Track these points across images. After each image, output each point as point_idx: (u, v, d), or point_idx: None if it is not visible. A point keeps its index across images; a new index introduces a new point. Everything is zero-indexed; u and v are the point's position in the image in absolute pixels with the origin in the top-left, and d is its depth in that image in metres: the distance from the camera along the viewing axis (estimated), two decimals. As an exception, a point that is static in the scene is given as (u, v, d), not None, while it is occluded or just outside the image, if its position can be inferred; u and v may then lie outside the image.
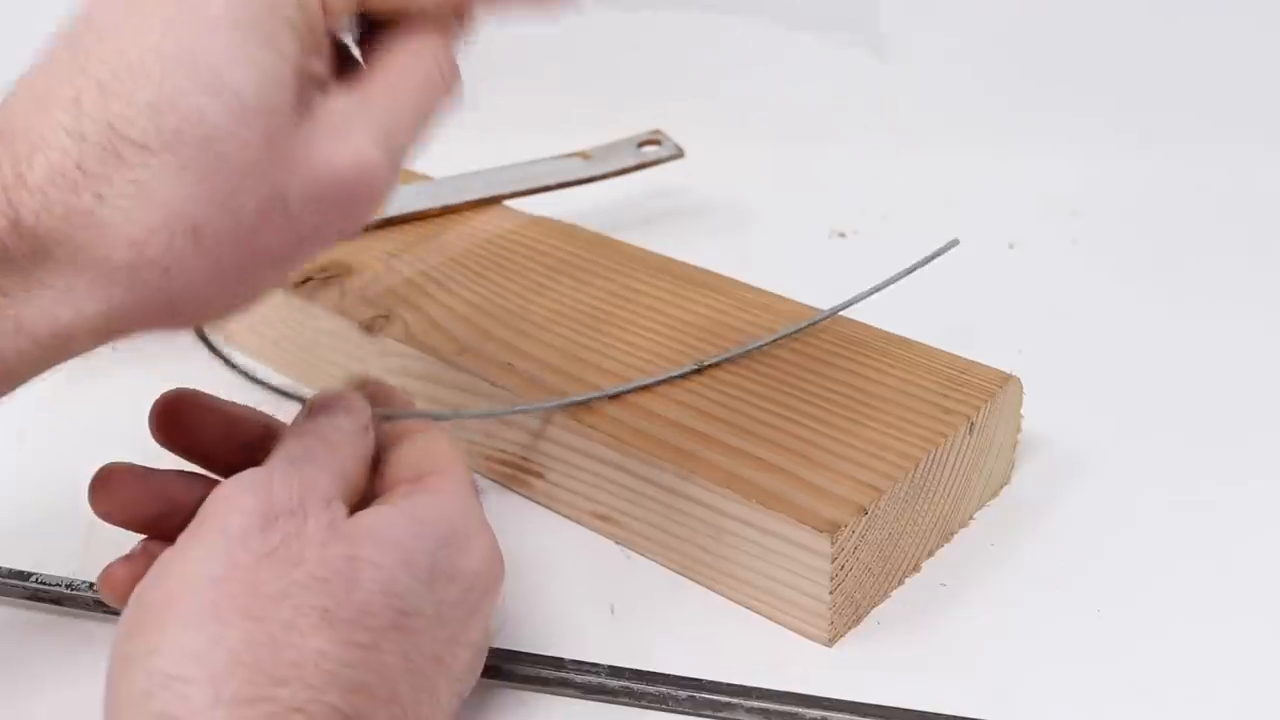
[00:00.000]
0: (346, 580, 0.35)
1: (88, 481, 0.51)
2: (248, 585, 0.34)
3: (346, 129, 0.36)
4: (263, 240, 0.36)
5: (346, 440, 0.40)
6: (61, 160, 0.33)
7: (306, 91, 0.36)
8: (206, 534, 0.36)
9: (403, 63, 0.39)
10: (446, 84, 0.41)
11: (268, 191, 0.35)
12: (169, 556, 0.36)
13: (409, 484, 0.41)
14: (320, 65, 0.37)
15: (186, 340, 0.63)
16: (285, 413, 0.46)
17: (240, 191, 0.34)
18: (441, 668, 0.37)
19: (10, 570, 0.48)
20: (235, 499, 0.36)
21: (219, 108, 0.34)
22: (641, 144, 0.70)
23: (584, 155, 0.69)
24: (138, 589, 0.36)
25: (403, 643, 0.35)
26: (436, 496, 0.39)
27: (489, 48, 0.76)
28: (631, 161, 0.69)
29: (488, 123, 0.82)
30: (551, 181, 0.67)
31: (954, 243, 0.49)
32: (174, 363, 0.62)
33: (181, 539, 0.36)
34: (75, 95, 0.34)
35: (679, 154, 0.69)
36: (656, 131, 0.70)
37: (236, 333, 0.62)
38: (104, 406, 0.59)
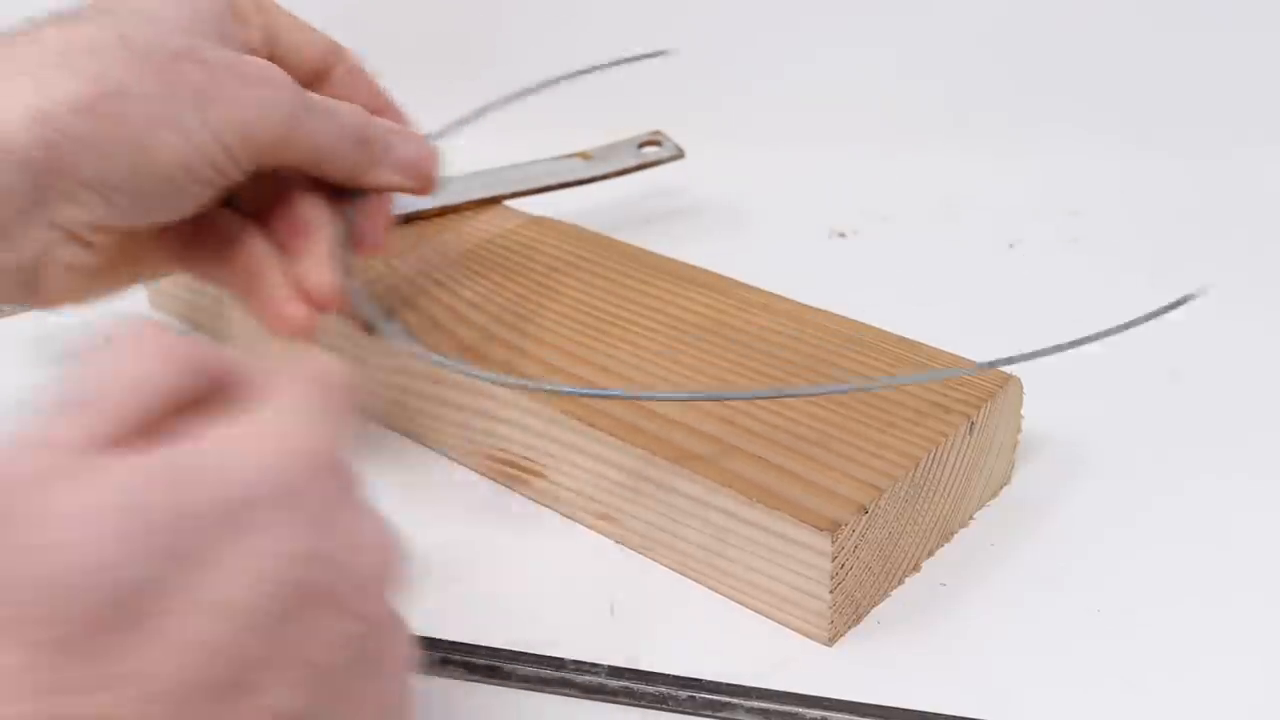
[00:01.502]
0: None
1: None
2: None
3: None
4: None
5: (116, 377, 0.33)
6: None
7: None
8: None
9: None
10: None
11: None
12: None
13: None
14: None
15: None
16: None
17: None
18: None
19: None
20: None
21: None
22: (642, 144, 0.70)
23: (584, 155, 0.69)
24: None
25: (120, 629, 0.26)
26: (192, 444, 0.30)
27: (489, 47, 0.76)
28: (632, 162, 0.69)
29: (488, 122, 0.83)
30: (552, 181, 0.67)
31: (1190, 297, 0.47)
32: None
33: None
34: None
35: (679, 154, 0.69)
36: (657, 132, 0.70)
37: (237, 333, 0.62)
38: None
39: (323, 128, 0.46)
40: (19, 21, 0.43)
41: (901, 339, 0.52)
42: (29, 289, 0.44)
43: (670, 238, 0.63)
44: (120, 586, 0.26)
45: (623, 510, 0.49)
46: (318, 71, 0.51)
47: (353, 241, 0.50)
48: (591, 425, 0.48)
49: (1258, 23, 0.78)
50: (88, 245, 0.44)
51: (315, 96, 0.46)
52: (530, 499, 0.52)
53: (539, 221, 0.62)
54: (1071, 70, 0.80)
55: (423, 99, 0.87)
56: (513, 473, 0.52)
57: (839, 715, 0.41)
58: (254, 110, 0.43)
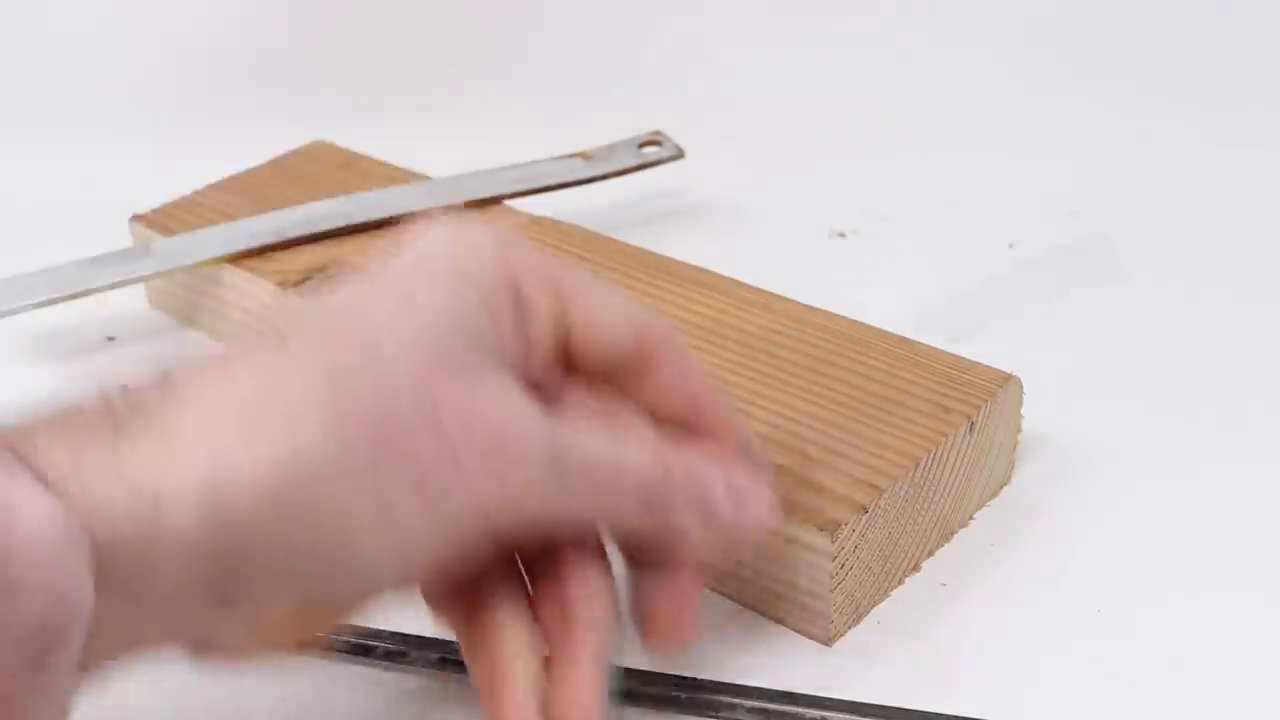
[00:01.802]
0: None
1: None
2: None
3: None
4: None
5: None
6: None
7: None
8: None
9: None
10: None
11: None
12: None
13: None
14: None
15: (187, 340, 0.63)
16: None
17: None
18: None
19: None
20: None
21: None
22: (642, 144, 0.70)
23: (584, 156, 0.69)
24: None
25: None
26: None
27: (490, 48, 0.76)
28: (632, 162, 0.69)
29: (488, 123, 0.83)
30: (551, 181, 0.67)
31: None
32: (172, 362, 0.62)
33: None
34: None
35: (679, 154, 0.69)
36: (657, 132, 0.70)
37: (236, 333, 0.62)
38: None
39: (589, 495, 0.35)
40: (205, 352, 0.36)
41: (901, 339, 0.52)
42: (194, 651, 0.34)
43: (670, 238, 0.63)
44: None
45: (623, 510, 0.49)
46: (622, 362, 0.38)
47: (640, 619, 0.39)
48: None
49: (1258, 23, 0.78)
50: (271, 624, 0.33)
51: (588, 446, 0.35)
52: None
53: (539, 221, 0.62)
54: (1072, 70, 0.80)
55: (423, 97, 0.87)
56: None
57: (839, 715, 0.41)
58: (492, 493, 0.33)
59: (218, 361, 0.33)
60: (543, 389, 0.37)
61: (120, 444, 0.30)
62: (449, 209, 0.61)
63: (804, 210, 0.74)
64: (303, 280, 0.58)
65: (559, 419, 0.35)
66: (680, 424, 0.39)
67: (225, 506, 0.30)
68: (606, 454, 0.35)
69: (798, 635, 0.45)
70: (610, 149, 0.69)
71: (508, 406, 0.34)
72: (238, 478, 0.30)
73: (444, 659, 0.44)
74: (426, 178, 0.67)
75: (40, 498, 0.28)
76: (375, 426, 0.32)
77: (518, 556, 0.38)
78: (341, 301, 0.35)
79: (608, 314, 0.38)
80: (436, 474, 0.32)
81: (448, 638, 0.44)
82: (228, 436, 0.30)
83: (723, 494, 0.37)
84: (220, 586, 0.30)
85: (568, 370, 0.38)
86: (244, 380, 0.32)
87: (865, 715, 0.41)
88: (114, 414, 0.31)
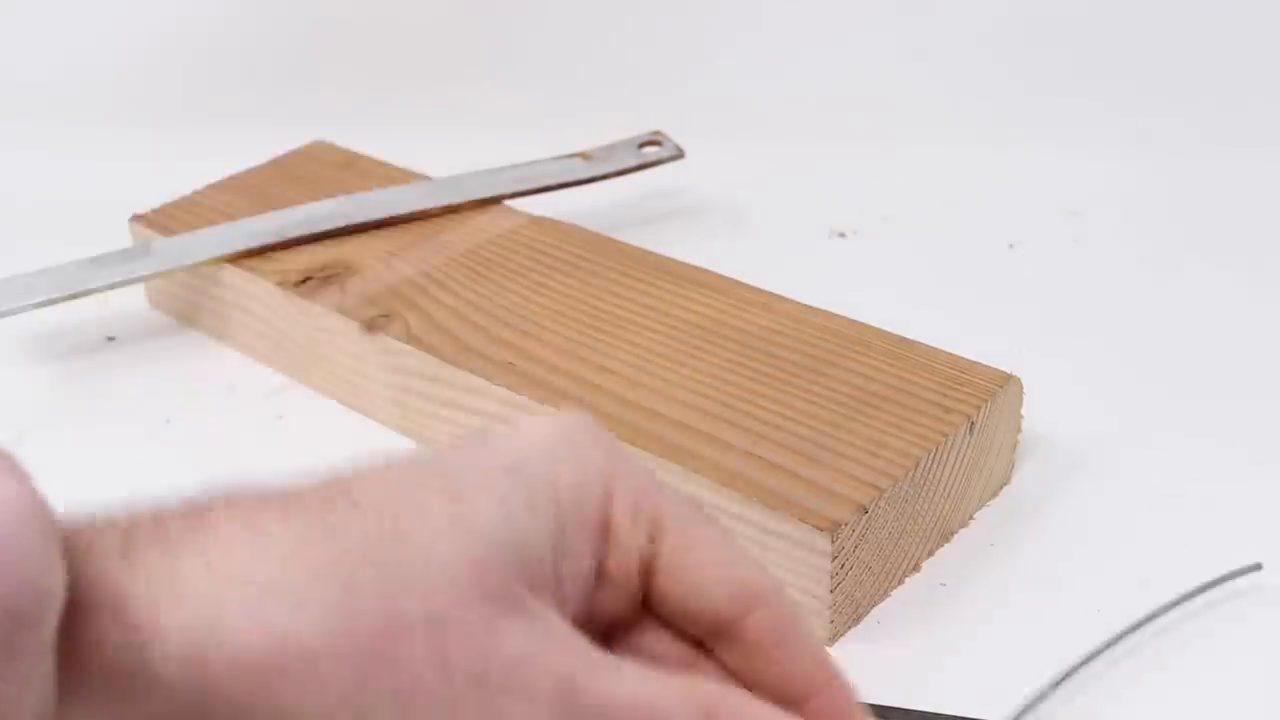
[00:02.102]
0: None
1: (87, 482, 0.51)
2: None
3: None
4: None
5: None
6: None
7: None
8: None
9: None
10: None
11: None
12: None
13: None
14: None
15: (187, 340, 0.64)
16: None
17: None
18: None
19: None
20: None
21: None
22: (642, 144, 0.70)
23: (584, 156, 0.69)
24: None
25: None
26: None
27: (489, 48, 0.76)
28: (632, 162, 0.69)
29: (488, 123, 0.83)
30: (551, 181, 0.67)
31: (1256, 566, 0.45)
32: (174, 363, 0.62)
33: None
34: None
35: (679, 154, 0.69)
36: (657, 132, 0.70)
37: (236, 333, 0.62)
38: (104, 406, 0.59)
39: None
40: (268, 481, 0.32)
41: (901, 339, 0.52)
42: None
43: (670, 238, 0.63)
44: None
45: (623, 510, 0.49)
46: (719, 624, 0.34)
47: None
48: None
49: (1258, 23, 0.78)
50: None
51: (612, 689, 0.31)
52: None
53: (539, 221, 0.62)
54: (1072, 70, 0.80)
55: (423, 97, 0.87)
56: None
57: (839, 715, 0.41)
58: None
59: (255, 504, 0.31)
60: (615, 627, 0.34)
61: (135, 567, 0.29)
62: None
63: (804, 210, 0.74)
64: (303, 280, 0.58)
65: (604, 658, 0.31)
66: (778, 702, 0.34)
67: (205, 664, 0.29)
68: (629, 698, 0.31)
69: (798, 635, 0.45)
70: (610, 149, 0.69)
71: (531, 642, 0.31)
72: (226, 639, 0.29)
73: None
74: (426, 178, 0.67)
75: (8, 481, 0.28)
76: (378, 629, 0.30)
77: None
78: (413, 476, 0.32)
79: (705, 566, 0.34)
80: (425, 700, 0.30)
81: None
82: (230, 592, 0.29)
83: None
84: None
85: (649, 611, 0.34)
86: (274, 536, 0.30)
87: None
88: (134, 531, 0.30)
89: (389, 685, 0.30)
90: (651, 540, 0.33)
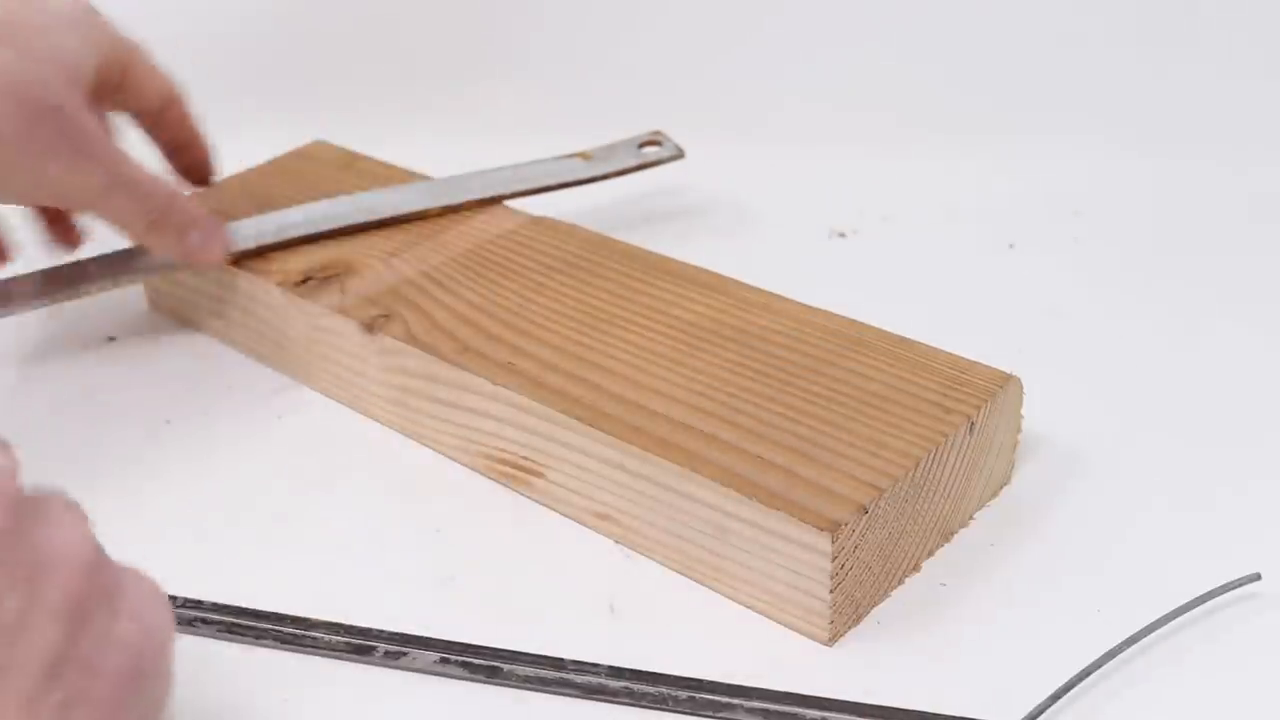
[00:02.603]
0: None
1: (87, 482, 0.50)
2: None
3: None
4: None
5: None
6: None
7: None
8: None
9: None
10: None
11: None
12: None
13: None
14: None
15: (187, 340, 0.64)
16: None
17: None
18: None
19: (10, 570, 0.48)
20: None
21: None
22: (642, 144, 0.69)
23: (584, 156, 0.69)
24: None
25: None
26: None
27: (489, 48, 0.76)
28: (632, 162, 0.69)
29: (488, 123, 0.83)
30: (552, 182, 0.67)
31: (1255, 576, 0.45)
32: (174, 363, 0.62)
33: None
34: None
35: (679, 154, 0.69)
36: (657, 132, 0.70)
37: (236, 333, 0.62)
38: (104, 406, 0.59)
39: (125, 206, 0.56)
40: None
41: (901, 339, 0.52)
42: None
43: (670, 238, 0.63)
44: None
45: (623, 510, 0.49)
46: (161, 106, 0.61)
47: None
48: (592, 425, 0.48)
49: (1258, 23, 0.78)
50: None
51: (132, 173, 0.56)
52: (530, 499, 0.52)
53: (539, 221, 0.62)
54: (1072, 71, 0.80)
55: (423, 97, 0.87)
56: (513, 473, 0.52)
57: (839, 715, 0.41)
58: (76, 182, 0.54)
59: None
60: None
61: None
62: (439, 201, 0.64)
63: (804, 210, 0.74)
64: (303, 280, 0.58)
65: (126, 153, 0.57)
66: (158, 116, 0.62)
67: None
68: (145, 183, 0.57)
69: (798, 635, 0.45)
70: (610, 149, 0.69)
71: (98, 125, 0.56)
72: None
73: (444, 659, 0.44)
74: (426, 178, 0.67)
75: None
76: (35, 110, 0.53)
77: None
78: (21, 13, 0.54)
79: (153, 72, 0.61)
80: (52, 153, 0.54)
81: (449, 638, 0.44)
82: None
83: (198, 234, 0.59)
84: None
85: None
86: None
87: (865, 715, 0.41)
88: None
89: (40, 144, 0.53)
90: (123, 69, 0.59)
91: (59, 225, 0.63)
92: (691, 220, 0.73)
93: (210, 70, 0.88)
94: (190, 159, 0.64)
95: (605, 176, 0.68)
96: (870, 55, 0.82)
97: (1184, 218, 0.72)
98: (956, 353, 0.51)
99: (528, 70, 0.86)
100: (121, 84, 0.59)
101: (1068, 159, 0.77)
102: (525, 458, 0.51)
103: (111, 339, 0.64)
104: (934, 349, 0.51)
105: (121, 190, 0.56)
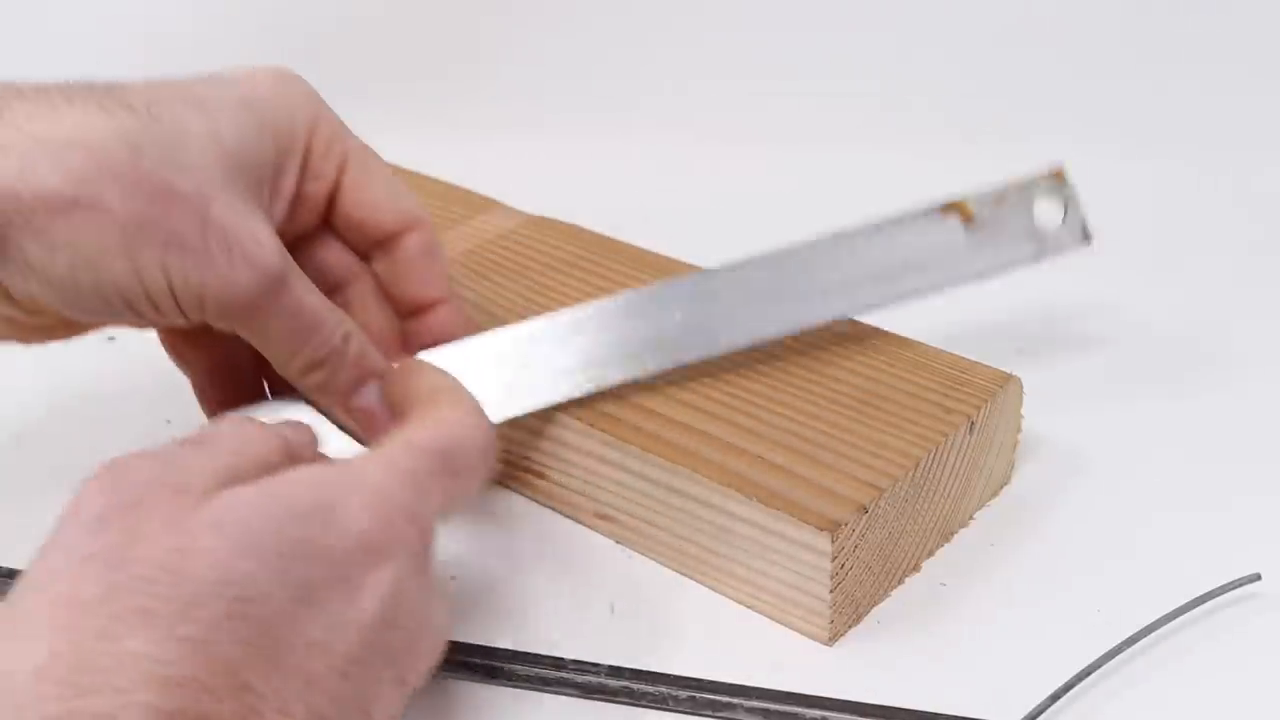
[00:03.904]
0: (173, 574, 0.32)
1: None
2: (65, 594, 0.32)
3: None
4: None
5: (232, 430, 0.38)
6: None
7: None
8: (47, 537, 0.34)
9: None
10: None
11: None
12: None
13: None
14: None
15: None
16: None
17: None
18: (325, 651, 0.34)
19: (10, 570, 0.48)
20: (83, 496, 0.35)
21: None
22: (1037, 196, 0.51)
23: (964, 212, 0.50)
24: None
25: (246, 630, 0.33)
26: (301, 469, 0.37)
27: (489, 48, 0.76)
28: (1027, 253, 0.51)
29: (488, 123, 0.83)
30: (921, 284, 0.49)
31: (1255, 576, 0.45)
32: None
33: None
34: None
35: (1087, 240, 0.52)
36: (1057, 174, 0.52)
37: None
38: (104, 406, 0.59)
39: (279, 330, 0.43)
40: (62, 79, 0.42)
41: (902, 339, 0.52)
42: None
43: (670, 238, 0.63)
44: (242, 584, 0.33)
45: (623, 510, 0.49)
46: (382, 240, 0.48)
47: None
48: (591, 425, 0.48)
49: (1258, 23, 0.78)
50: (25, 309, 0.43)
51: (298, 299, 0.43)
52: (530, 499, 0.52)
53: (539, 221, 0.62)
54: (1072, 71, 0.80)
55: (423, 97, 0.87)
56: (513, 473, 0.52)
57: (839, 715, 0.41)
58: (216, 285, 0.41)
59: (36, 92, 0.41)
60: (301, 240, 0.47)
61: None
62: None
63: (804, 210, 0.74)
64: (303, 280, 0.58)
65: (294, 265, 0.43)
66: (411, 309, 0.48)
67: (18, 201, 0.39)
68: (313, 312, 0.44)
69: (798, 635, 0.45)
70: (997, 201, 0.51)
71: (264, 228, 0.43)
72: (37, 185, 0.39)
73: (445, 659, 0.44)
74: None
75: None
76: (158, 189, 0.40)
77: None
78: (167, 94, 0.42)
79: (379, 192, 0.47)
80: (184, 247, 0.41)
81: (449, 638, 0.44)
82: (39, 153, 0.39)
83: (367, 396, 0.45)
84: None
85: (329, 228, 0.48)
86: (67, 120, 0.40)
87: (865, 715, 0.41)
88: None
89: (160, 232, 0.40)
90: (339, 170, 0.46)
91: (223, 378, 0.48)
92: (691, 220, 0.73)
93: (210, 70, 0.89)
94: (413, 295, 0.48)
95: (988, 273, 0.51)
96: (870, 55, 0.82)
97: (1184, 218, 0.72)
98: (956, 353, 0.51)
99: (528, 70, 0.86)
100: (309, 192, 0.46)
101: (1068, 159, 0.77)
102: (525, 457, 0.51)
103: (111, 339, 0.64)
104: (934, 349, 0.51)
105: (281, 313, 0.43)
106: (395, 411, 0.44)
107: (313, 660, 0.34)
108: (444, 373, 0.44)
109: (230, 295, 0.42)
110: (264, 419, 0.41)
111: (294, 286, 0.43)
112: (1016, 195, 0.51)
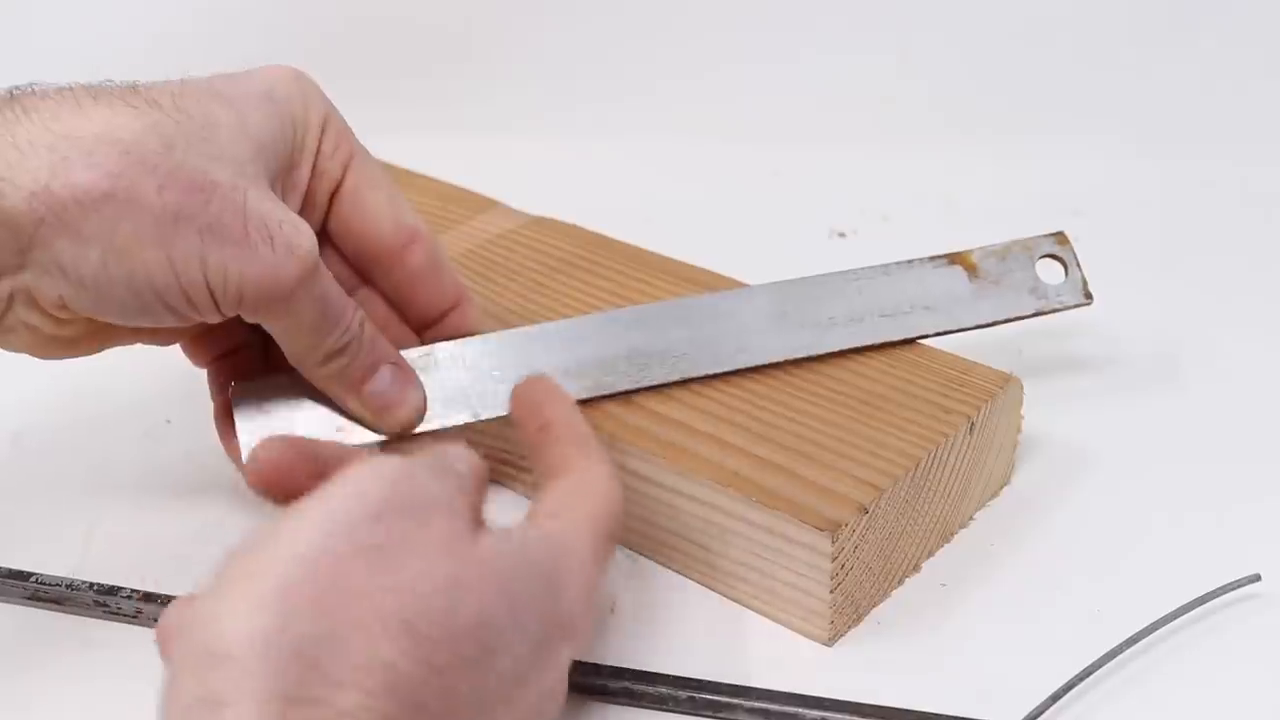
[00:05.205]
0: (446, 601, 0.33)
1: (87, 482, 0.51)
2: (332, 575, 0.32)
3: None
4: None
5: (471, 463, 0.39)
6: None
7: None
8: (316, 509, 0.34)
9: None
10: None
11: None
12: (282, 518, 0.34)
13: (537, 516, 0.40)
14: None
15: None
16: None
17: None
18: (509, 708, 0.35)
19: (10, 570, 0.48)
20: (363, 481, 0.35)
21: None
22: (1042, 255, 0.53)
23: (967, 265, 0.52)
24: (236, 545, 0.34)
25: (478, 676, 0.33)
26: (553, 534, 0.38)
27: (489, 48, 0.76)
28: (1028, 309, 0.52)
29: (488, 123, 0.83)
30: (930, 330, 0.51)
31: (1255, 577, 0.45)
32: (174, 363, 0.62)
33: (301, 503, 0.35)
34: None
35: (1087, 300, 0.53)
36: (1060, 237, 0.53)
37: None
38: (104, 406, 0.59)
39: (310, 318, 0.43)
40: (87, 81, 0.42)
41: (902, 339, 0.52)
42: None
43: (670, 238, 0.63)
44: (494, 634, 0.34)
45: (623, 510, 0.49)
46: (380, 255, 0.47)
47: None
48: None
49: (1258, 23, 0.78)
50: (50, 317, 0.42)
51: (326, 286, 0.43)
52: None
53: (539, 221, 0.62)
54: (1072, 71, 0.80)
55: (423, 97, 0.87)
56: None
57: (839, 715, 0.41)
58: (255, 272, 0.41)
59: (59, 93, 0.41)
60: None
61: None
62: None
63: (804, 210, 0.74)
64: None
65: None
66: (422, 321, 0.48)
67: (52, 199, 0.39)
68: (339, 305, 0.44)
69: (798, 635, 0.45)
70: (1001, 256, 0.53)
71: (294, 223, 0.42)
72: (70, 181, 0.39)
73: (444, 659, 0.44)
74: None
75: None
76: (191, 183, 0.40)
77: None
78: (193, 91, 0.43)
79: (380, 201, 0.47)
80: (221, 236, 0.40)
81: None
82: (70, 152, 0.39)
83: (380, 382, 0.46)
84: (22, 259, 0.40)
85: (327, 239, 0.47)
86: (97, 118, 0.40)
87: (865, 715, 0.41)
88: None
89: (197, 223, 0.40)
90: (343, 170, 0.46)
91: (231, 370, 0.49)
92: (691, 220, 0.73)
93: (210, 71, 0.89)
94: (424, 307, 0.49)
95: (992, 324, 0.52)
96: (871, 55, 0.82)
97: (1184, 217, 0.72)
98: (956, 353, 0.51)
99: (528, 70, 0.86)
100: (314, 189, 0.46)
101: (1068, 159, 0.77)
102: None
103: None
104: (934, 349, 0.51)
105: (312, 301, 0.43)
106: (545, 441, 0.43)
107: (503, 714, 0.34)
108: (580, 416, 0.44)
109: (272, 284, 0.41)
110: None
111: (324, 274, 0.43)
112: (1019, 252, 0.53)
